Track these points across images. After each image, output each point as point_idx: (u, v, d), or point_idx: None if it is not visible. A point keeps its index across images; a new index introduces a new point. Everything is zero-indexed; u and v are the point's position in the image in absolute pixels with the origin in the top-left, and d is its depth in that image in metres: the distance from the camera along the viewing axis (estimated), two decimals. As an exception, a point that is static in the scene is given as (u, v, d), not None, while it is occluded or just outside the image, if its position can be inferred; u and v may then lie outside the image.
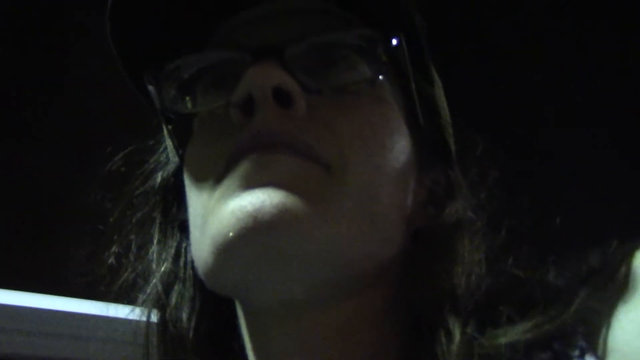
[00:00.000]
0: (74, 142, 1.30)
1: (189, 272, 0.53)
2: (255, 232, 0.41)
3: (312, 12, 0.48)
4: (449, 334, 0.44)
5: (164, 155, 0.58)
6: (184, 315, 0.53)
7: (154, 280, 0.54)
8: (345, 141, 0.45)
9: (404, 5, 0.47)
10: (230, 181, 0.44)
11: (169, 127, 0.53)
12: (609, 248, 0.44)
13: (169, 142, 0.55)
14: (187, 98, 0.49)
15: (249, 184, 0.43)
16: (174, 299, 0.53)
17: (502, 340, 0.42)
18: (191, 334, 0.52)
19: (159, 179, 0.57)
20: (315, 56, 0.47)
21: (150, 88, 0.48)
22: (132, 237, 0.57)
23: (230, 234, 0.42)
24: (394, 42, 0.47)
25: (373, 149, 0.46)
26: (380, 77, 0.47)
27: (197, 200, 0.47)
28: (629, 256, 0.42)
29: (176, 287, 0.53)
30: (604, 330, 0.40)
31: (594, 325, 0.41)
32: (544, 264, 0.48)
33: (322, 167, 0.44)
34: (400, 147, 0.48)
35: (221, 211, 0.43)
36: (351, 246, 0.44)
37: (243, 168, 0.43)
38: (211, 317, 0.53)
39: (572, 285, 0.44)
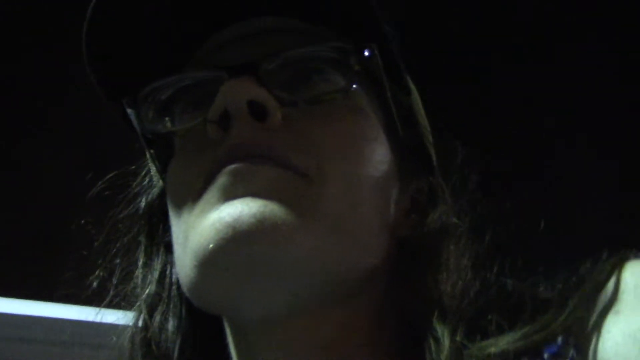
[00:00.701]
0: (78, 147, 1.30)
1: (174, 292, 0.54)
2: (234, 242, 0.42)
3: (286, 30, 0.49)
4: (438, 342, 0.44)
5: (148, 179, 0.58)
6: (168, 336, 0.53)
7: (138, 303, 0.55)
8: (322, 150, 0.45)
9: (374, 17, 0.47)
10: (209, 195, 0.44)
11: (151, 150, 0.54)
12: (599, 259, 0.44)
13: (151, 166, 0.56)
14: (167, 119, 0.50)
15: (227, 196, 0.43)
16: (157, 320, 0.53)
17: (492, 349, 0.42)
18: (176, 354, 0.52)
19: (143, 203, 0.57)
20: (290, 70, 0.47)
21: (130, 111, 0.49)
22: (117, 261, 0.57)
23: (211, 245, 0.42)
24: (366, 52, 0.47)
25: (350, 157, 0.46)
26: (354, 86, 0.48)
27: (178, 217, 0.47)
28: (619, 267, 0.43)
29: (160, 308, 0.54)
30: (594, 341, 0.40)
31: (584, 336, 0.41)
32: (533, 274, 0.48)
33: (300, 176, 0.44)
34: (379, 156, 0.49)
35: (201, 225, 0.43)
36: (331, 254, 0.44)
37: (221, 181, 0.44)
38: (197, 336, 0.53)
39: (562, 295, 0.44)
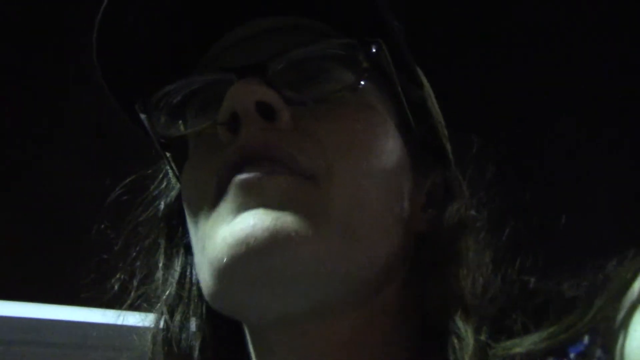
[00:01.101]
0: (87, 147, 1.30)
1: (194, 292, 0.54)
2: (248, 257, 0.42)
3: (293, 28, 0.49)
4: (461, 341, 0.43)
5: (166, 181, 0.58)
6: (189, 336, 0.53)
7: (159, 305, 0.55)
8: (329, 149, 0.45)
9: (379, 12, 0.47)
10: (223, 206, 0.44)
11: (167, 154, 0.54)
12: (626, 257, 0.44)
13: (168, 169, 0.56)
14: (179, 122, 0.50)
15: (240, 209, 0.43)
16: (178, 320, 0.54)
17: (517, 349, 0.42)
18: (197, 353, 0.53)
19: (162, 206, 0.57)
20: (298, 69, 0.47)
21: (142, 116, 0.49)
22: (138, 263, 0.58)
23: (225, 259, 0.43)
24: (373, 48, 0.47)
25: (358, 155, 0.46)
26: (362, 83, 0.47)
27: (195, 224, 0.48)
28: None
29: (180, 309, 0.54)
30: (620, 340, 0.40)
31: (611, 335, 0.41)
32: (559, 273, 0.48)
33: (309, 181, 0.44)
34: (389, 152, 0.48)
35: (216, 236, 0.44)
36: (343, 257, 0.44)
37: (232, 192, 0.44)
38: (217, 335, 0.53)
39: (588, 294, 0.44)
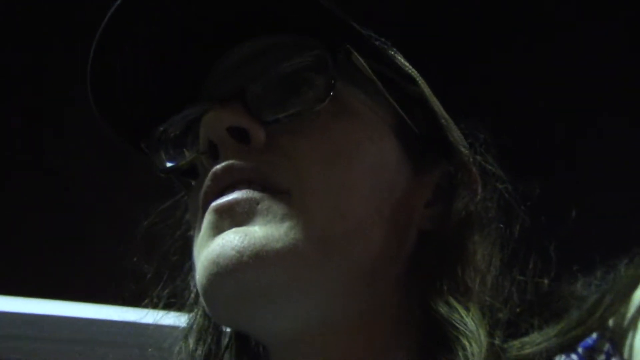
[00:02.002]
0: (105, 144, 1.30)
1: None
2: (220, 276, 0.44)
3: (272, 48, 0.50)
4: (472, 341, 0.43)
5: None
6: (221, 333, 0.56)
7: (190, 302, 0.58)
8: (302, 163, 0.46)
9: (336, 20, 0.48)
10: (203, 232, 0.47)
11: (182, 178, 0.56)
12: (636, 254, 0.44)
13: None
14: (179, 154, 0.52)
15: (214, 233, 0.46)
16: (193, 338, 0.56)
17: (529, 348, 0.42)
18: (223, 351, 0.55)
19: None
20: (277, 88, 0.48)
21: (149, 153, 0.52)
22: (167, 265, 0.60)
23: (204, 281, 0.45)
24: (341, 54, 0.48)
25: (334, 165, 0.47)
26: (332, 91, 0.48)
27: (193, 245, 0.50)
28: None
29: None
30: (630, 336, 0.40)
31: (620, 331, 0.41)
32: (570, 270, 0.47)
33: (282, 195, 0.45)
34: (374, 154, 0.49)
35: (198, 261, 0.47)
36: (322, 267, 0.44)
37: (208, 218, 0.46)
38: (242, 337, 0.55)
39: (598, 291, 0.44)
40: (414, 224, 0.49)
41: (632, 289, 0.42)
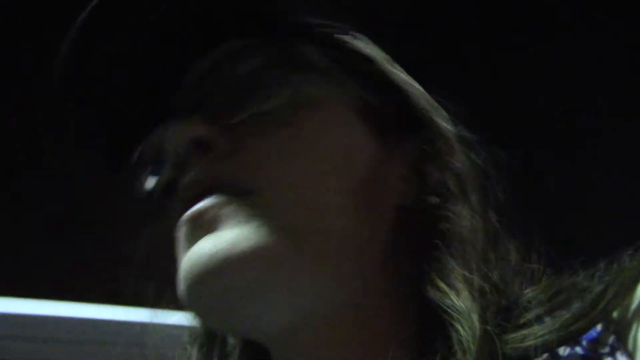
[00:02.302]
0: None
1: None
2: (197, 284, 0.45)
3: (227, 56, 0.51)
4: (465, 327, 0.42)
5: None
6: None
7: None
8: (264, 162, 0.47)
9: (268, 15, 0.49)
10: (181, 243, 0.48)
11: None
12: None
13: None
14: (159, 173, 0.53)
15: (189, 243, 0.46)
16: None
17: (529, 339, 0.41)
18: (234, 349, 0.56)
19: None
20: (234, 92, 0.50)
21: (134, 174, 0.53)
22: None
23: (184, 291, 0.46)
24: (291, 47, 0.50)
25: (296, 158, 0.47)
26: (285, 87, 0.49)
27: None
28: None
29: None
30: (634, 328, 0.40)
31: (624, 323, 0.41)
32: (573, 262, 0.46)
33: (248, 196, 0.46)
34: (336, 141, 0.49)
35: (179, 271, 0.47)
36: (294, 260, 0.45)
37: (182, 230, 0.47)
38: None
39: (602, 283, 0.43)
40: (390, 201, 0.49)
41: (637, 281, 0.41)
